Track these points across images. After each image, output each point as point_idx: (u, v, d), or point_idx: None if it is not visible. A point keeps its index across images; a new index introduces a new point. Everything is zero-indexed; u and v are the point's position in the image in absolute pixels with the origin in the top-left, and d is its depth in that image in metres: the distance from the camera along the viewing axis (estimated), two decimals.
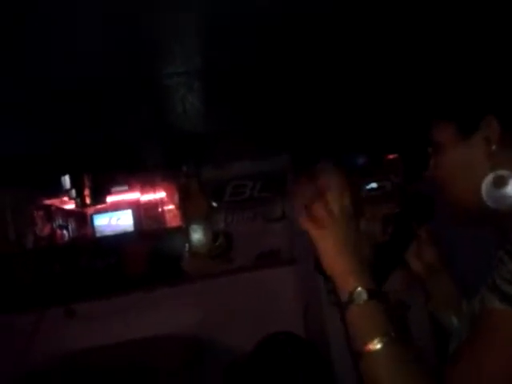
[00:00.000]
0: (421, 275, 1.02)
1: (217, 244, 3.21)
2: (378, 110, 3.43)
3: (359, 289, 0.77)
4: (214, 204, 3.23)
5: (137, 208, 3.64)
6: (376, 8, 1.34)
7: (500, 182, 0.75)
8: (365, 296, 0.76)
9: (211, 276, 3.15)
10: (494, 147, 0.75)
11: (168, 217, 3.54)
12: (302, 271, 3.14)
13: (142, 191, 3.63)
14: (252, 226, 3.22)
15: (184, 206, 3.21)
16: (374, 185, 3.08)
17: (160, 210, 3.61)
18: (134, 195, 3.66)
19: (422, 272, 1.02)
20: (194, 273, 3.11)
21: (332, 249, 0.83)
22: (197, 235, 3.20)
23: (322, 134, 3.40)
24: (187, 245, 3.17)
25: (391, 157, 3.28)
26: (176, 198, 3.27)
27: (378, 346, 0.73)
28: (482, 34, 0.80)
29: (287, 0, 1.26)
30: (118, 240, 3.41)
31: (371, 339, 0.74)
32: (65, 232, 3.59)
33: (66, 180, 2.91)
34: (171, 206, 3.54)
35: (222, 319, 2.95)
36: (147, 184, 3.58)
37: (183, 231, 3.21)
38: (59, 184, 2.91)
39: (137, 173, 3.45)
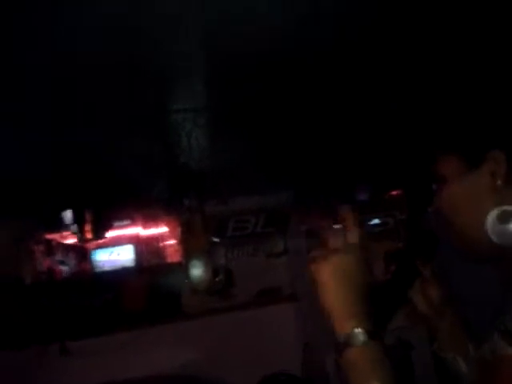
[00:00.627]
0: (426, 315, 1.00)
1: (217, 280, 3.17)
2: (380, 146, 3.46)
3: (357, 330, 0.74)
4: (216, 239, 3.21)
5: (138, 243, 3.61)
6: (378, 42, 1.35)
7: (505, 218, 0.73)
8: (363, 338, 0.74)
9: (211, 313, 3.09)
10: (499, 182, 0.74)
11: (169, 252, 3.51)
12: (303, 309, 3.09)
13: (144, 226, 3.61)
14: (253, 261, 3.19)
15: (185, 241, 3.19)
16: (376, 221, 3.07)
17: (161, 245, 3.59)
18: (135, 230, 3.64)
19: (427, 311, 0.99)
20: (193, 309, 3.06)
21: (331, 287, 0.81)
22: (197, 271, 3.16)
23: (325, 170, 3.41)
24: (187, 281, 3.13)
25: (394, 193, 3.28)
26: (178, 232, 3.25)
27: None
28: (491, 68, 0.80)
29: (289, 39, 1.28)
30: (117, 275, 3.37)
31: None
32: (64, 267, 3.56)
33: (68, 215, 2.90)
34: (172, 241, 3.52)
35: (222, 358, 2.88)
36: (149, 218, 3.57)
37: (183, 267, 3.18)
38: (60, 218, 2.90)
39: (139, 208, 3.45)
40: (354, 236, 0.85)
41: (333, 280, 0.81)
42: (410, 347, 2.63)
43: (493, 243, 0.75)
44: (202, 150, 2.70)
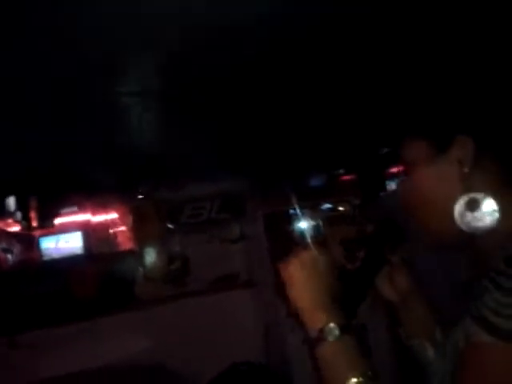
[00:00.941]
0: (392, 302, 0.99)
1: (172, 267, 3.11)
2: (333, 130, 3.47)
3: (331, 325, 0.74)
4: (170, 226, 3.14)
5: (87, 230, 3.47)
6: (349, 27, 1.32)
7: (473, 205, 0.72)
8: (337, 332, 0.73)
9: (166, 301, 3.03)
10: (466, 169, 0.73)
11: (121, 239, 3.40)
12: (261, 294, 3.09)
13: (93, 212, 3.48)
14: (209, 248, 3.14)
15: (138, 228, 3.10)
16: (328, 205, 3.09)
17: (112, 232, 3.47)
18: (84, 216, 3.50)
19: (394, 298, 0.98)
20: (147, 298, 2.99)
21: (302, 282, 0.79)
22: (151, 258, 3.09)
23: (280, 155, 3.39)
24: (141, 269, 3.06)
25: (348, 178, 3.31)
26: (130, 219, 3.15)
27: None
28: (461, 51, 0.78)
29: (241, 21, 1.22)
30: (66, 263, 3.23)
31: (347, 379, 0.70)
32: (9, 255, 3.39)
33: (11, 201, 2.74)
34: (124, 228, 3.41)
35: (178, 347, 2.83)
36: (99, 205, 3.44)
37: (136, 254, 3.10)
38: (3, 206, 2.74)
39: (88, 194, 3.31)
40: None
41: (303, 276, 0.80)
42: (366, 330, 2.68)
43: (460, 230, 0.74)
44: (154, 134, 2.61)
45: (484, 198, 0.72)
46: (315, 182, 3.32)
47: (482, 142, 0.72)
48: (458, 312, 0.85)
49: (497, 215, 0.71)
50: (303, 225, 3.05)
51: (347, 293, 0.90)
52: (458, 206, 0.73)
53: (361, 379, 0.70)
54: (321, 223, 3.07)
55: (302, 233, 3.05)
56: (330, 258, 0.83)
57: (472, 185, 0.73)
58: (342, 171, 3.41)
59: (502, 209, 0.71)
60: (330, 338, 0.73)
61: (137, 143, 2.63)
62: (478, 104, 0.74)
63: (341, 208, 3.01)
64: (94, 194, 3.36)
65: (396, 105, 0.84)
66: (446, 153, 0.75)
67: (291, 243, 3.05)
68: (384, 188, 3.38)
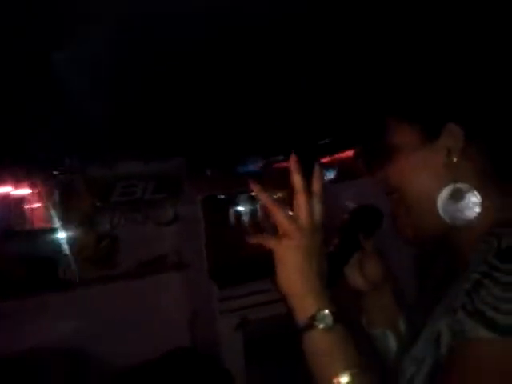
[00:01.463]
0: (360, 290, 0.98)
1: (100, 247, 2.96)
2: (270, 113, 3.47)
3: (325, 312, 0.70)
4: (98, 204, 2.97)
5: (5, 204, 3.21)
6: None
7: (457, 196, 0.72)
8: (330, 320, 0.70)
9: (92, 283, 2.87)
10: (455, 159, 0.72)
11: (44, 216, 3.17)
12: (191, 277, 3.02)
13: (14, 186, 3.21)
14: (141, 229, 3.01)
15: (65, 204, 2.91)
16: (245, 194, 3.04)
17: (34, 207, 3.23)
18: (3, 189, 3.22)
19: (362, 286, 0.97)
20: (72, 279, 2.82)
21: (294, 265, 0.75)
22: (78, 237, 2.92)
23: (216, 137, 3.33)
24: (66, 248, 2.88)
25: (287, 164, 3.29)
26: (56, 195, 2.95)
27: (347, 380, 0.65)
28: (458, 36, 0.77)
29: None
30: None
31: (339, 371, 0.66)
32: None
33: None
34: (48, 204, 3.19)
35: (104, 329, 2.70)
36: (21, 177, 3.18)
37: (62, 232, 2.91)
38: None
39: (8, 166, 3.06)
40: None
41: (297, 258, 0.75)
42: None
43: (441, 221, 0.73)
44: (83, 106, 2.46)
45: (469, 189, 0.71)
46: (254, 167, 3.30)
47: (472, 132, 0.72)
48: (427, 304, 0.85)
49: (478, 208, 0.71)
50: (241, 209, 3.03)
51: None
52: (442, 196, 0.73)
53: (354, 371, 0.66)
54: (258, 208, 3.07)
55: (239, 217, 3.04)
56: (322, 242, 0.79)
57: (457, 175, 0.72)
58: (280, 157, 3.42)
59: (485, 201, 0.70)
60: (322, 326, 0.69)
61: (65, 113, 2.47)
62: (471, 93, 0.73)
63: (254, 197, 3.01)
64: (15, 167, 3.12)
65: (386, 88, 0.81)
66: (435, 140, 0.73)
67: (229, 227, 3.02)
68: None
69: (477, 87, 0.73)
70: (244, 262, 2.80)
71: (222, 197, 2.86)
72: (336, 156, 3.35)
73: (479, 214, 0.71)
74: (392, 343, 0.95)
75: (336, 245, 0.92)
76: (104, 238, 2.92)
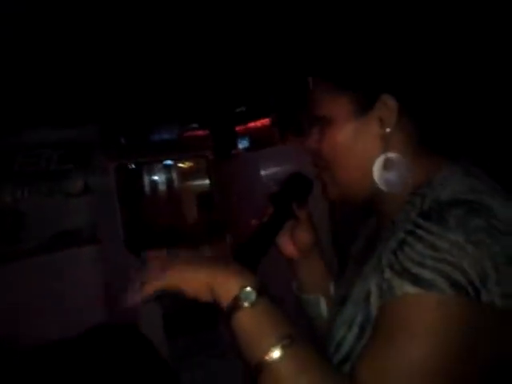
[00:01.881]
0: (291, 258, 0.98)
1: (2, 223, 2.73)
2: (191, 78, 3.37)
3: (247, 289, 0.66)
4: None
5: None
6: None
7: (390, 165, 0.73)
8: (253, 296, 0.65)
9: None
10: (388, 129, 0.72)
11: None
12: (107, 250, 2.89)
13: None
14: (48, 202, 2.81)
15: None
16: (169, 162, 2.99)
17: None
18: None
19: (293, 254, 0.97)
20: None
21: (190, 267, 0.70)
22: None
23: (131, 104, 3.18)
24: None
25: (202, 133, 3.24)
26: None
27: (279, 354, 0.63)
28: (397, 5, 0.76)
29: None
30: None
31: (270, 346, 0.63)
32: None
33: None
34: None
35: (15, 310, 2.52)
36: None
37: None
38: None
39: None
40: None
41: (193, 261, 0.71)
42: None
43: (374, 188, 0.74)
44: None
45: (400, 158, 0.72)
46: (168, 135, 3.19)
47: (405, 103, 0.72)
48: (355, 267, 0.87)
49: (409, 176, 0.72)
50: (156, 178, 2.93)
51: (250, 249, 0.84)
52: (377, 166, 0.73)
53: (285, 344, 0.62)
54: (174, 177, 3.00)
55: (155, 186, 2.94)
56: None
57: (390, 145, 0.73)
58: (195, 126, 3.34)
59: (412, 169, 0.72)
60: (247, 304, 0.65)
61: None
62: (406, 64, 0.73)
63: (181, 165, 2.94)
64: None
65: (320, 56, 0.79)
66: (369, 111, 0.73)
67: (145, 197, 2.92)
68: (235, 145, 3.40)
69: (411, 58, 0.73)
70: (161, 231, 2.74)
71: (136, 166, 2.75)
72: (250, 124, 3.34)
73: (408, 180, 0.73)
74: (323, 308, 0.96)
75: (269, 214, 0.90)
76: (6, 212, 2.69)
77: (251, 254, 0.83)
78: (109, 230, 2.74)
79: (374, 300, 0.66)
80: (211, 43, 3.02)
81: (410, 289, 0.60)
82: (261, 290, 0.66)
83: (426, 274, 0.59)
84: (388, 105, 0.71)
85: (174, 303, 2.65)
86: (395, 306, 0.62)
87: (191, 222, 2.76)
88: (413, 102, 0.73)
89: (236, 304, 0.65)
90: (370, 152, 0.74)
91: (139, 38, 2.73)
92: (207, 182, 2.77)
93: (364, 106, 0.73)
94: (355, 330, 0.70)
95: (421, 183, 0.71)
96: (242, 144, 3.42)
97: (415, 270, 0.60)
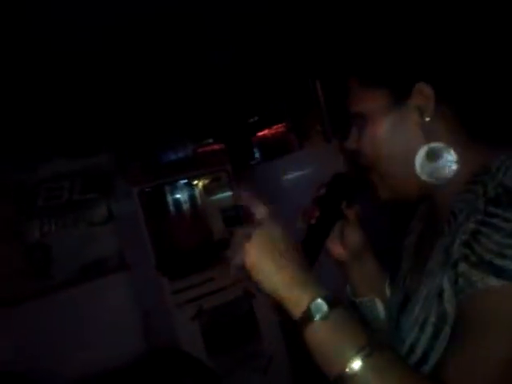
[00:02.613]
0: (342, 260, 0.95)
1: (32, 259, 2.72)
2: (199, 96, 3.37)
3: (317, 300, 0.64)
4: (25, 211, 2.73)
5: None
6: None
7: (433, 155, 0.70)
8: (325, 308, 0.63)
9: (28, 298, 2.64)
10: (427, 118, 0.70)
11: None
12: (136, 277, 2.88)
13: None
14: (74, 233, 2.80)
15: None
16: (190, 179, 2.96)
17: None
18: None
19: (345, 256, 0.94)
20: (6, 295, 2.57)
21: (267, 262, 0.68)
22: (3, 252, 2.66)
23: (144, 125, 3.17)
24: None
25: (217, 147, 3.23)
26: None
27: (360, 364, 0.60)
28: None
29: None
30: None
31: (349, 357, 0.60)
32: None
33: None
34: None
35: (47, 346, 2.50)
36: None
37: None
38: None
39: None
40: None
41: (267, 257, 0.68)
42: (252, 296, 2.69)
43: (422, 182, 0.71)
44: None
45: (444, 147, 0.70)
46: (183, 153, 3.18)
47: (442, 90, 0.70)
48: (411, 264, 0.85)
49: (456, 165, 0.70)
50: (179, 197, 2.92)
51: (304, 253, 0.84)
52: (419, 157, 0.71)
53: (366, 354, 0.60)
54: (197, 194, 2.98)
55: (179, 205, 2.93)
56: (282, 227, 0.72)
57: (431, 134, 0.70)
58: (210, 141, 3.33)
59: (460, 158, 0.70)
60: (319, 317, 0.63)
61: None
62: (440, 51, 0.71)
63: (202, 180, 2.92)
64: None
65: (353, 52, 0.77)
66: (406, 101, 0.71)
67: (170, 217, 2.90)
68: (253, 156, 3.38)
69: (444, 45, 0.70)
70: (190, 250, 2.72)
71: (158, 187, 2.74)
72: (265, 133, 3.32)
73: (456, 171, 0.71)
74: (380, 310, 0.93)
75: (317, 217, 0.87)
76: (35, 248, 2.68)
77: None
78: (138, 255, 2.72)
79: (449, 297, 0.64)
80: (217, 58, 3.03)
81: (493, 281, 0.57)
82: (332, 301, 0.64)
83: (509, 264, 0.56)
84: (424, 93, 0.69)
85: (212, 320, 2.63)
86: (479, 301, 0.59)
87: (219, 237, 2.73)
88: (449, 87, 0.70)
89: (307, 317, 0.64)
90: (412, 143, 0.71)
91: (145, 56, 2.74)
92: (230, 194, 2.75)
93: (400, 97, 0.71)
94: (429, 330, 0.67)
95: (474, 171, 0.68)
96: (260, 153, 3.40)
97: (497, 261, 0.57)
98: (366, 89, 0.74)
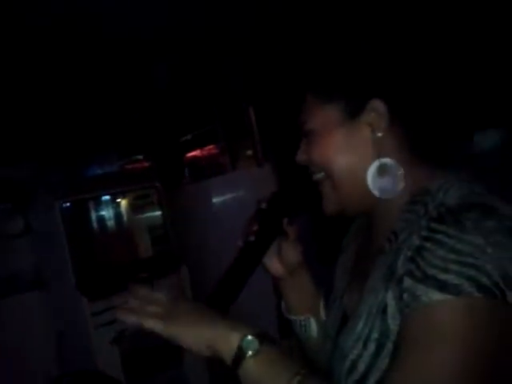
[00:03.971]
0: (279, 277, 0.95)
1: None
2: (131, 110, 3.27)
3: (248, 337, 0.66)
4: None
5: None
6: None
7: (383, 171, 0.72)
8: (256, 343, 0.66)
9: None
10: (379, 134, 0.72)
11: None
12: (53, 296, 2.69)
13: None
14: None
15: None
16: (106, 198, 2.86)
17: None
18: None
19: (281, 273, 0.94)
20: None
21: (184, 319, 0.70)
22: None
23: (71, 137, 3.02)
24: None
25: (147, 164, 3.14)
26: None
27: None
28: (377, 11, 0.77)
29: None
30: None
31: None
32: None
33: None
34: None
35: None
36: None
37: None
38: None
39: None
40: None
41: (182, 315, 0.71)
42: None
43: (368, 196, 0.73)
44: None
45: (393, 164, 0.72)
46: (110, 167, 3.06)
47: (395, 108, 0.72)
48: (347, 281, 0.85)
49: (402, 182, 0.72)
50: (104, 213, 2.78)
51: (237, 269, 0.82)
52: (371, 171, 0.73)
53: (299, 379, 0.63)
54: (124, 211, 2.86)
55: (103, 222, 2.79)
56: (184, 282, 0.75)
57: (381, 150, 0.72)
58: (139, 157, 3.24)
59: (406, 174, 0.72)
60: (251, 353, 0.65)
61: None
62: (393, 69, 0.73)
63: (129, 197, 2.82)
64: None
65: (307, 68, 0.78)
66: (359, 116, 0.73)
67: (93, 234, 2.77)
68: (184, 175, 3.32)
69: (398, 64, 0.74)
70: (114, 269, 2.60)
71: (82, 201, 2.61)
72: (198, 152, 3.28)
73: (402, 186, 0.73)
74: (314, 329, 0.94)
75: (255, 233, 0.85)
76: None
77: (240, 274, 0.81)
78: (56, 272, 2.55)
79: (393, 313, 0.65)
80: (153, 76, 2.97)
81: (437, 295, 0.59)
82: (261, 337, 0.66)
83: (452, 278, 0.58)
84: (377, 109, 0.72)
85: (133, 344, 2.51)
86: (423, 314, 0.61)
87: (145, 256, 2.64)
88: (401, 106, 0.73)
89: (240, 354, 0.65)
90: (363, 158, 0.73)
91: (76, 67, 2.64)
92: (159, 213, 2.67)
93: (353, 112, 0.73)
94: (371, 346, 0.68)
95: (416, 191, 0.71)
96: (191, 173, 3.35)
97: (440, 275, 0.59)
98: (321, 103, 0.75)
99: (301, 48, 0.80)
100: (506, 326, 0.59)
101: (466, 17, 2.05)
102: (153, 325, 0.69)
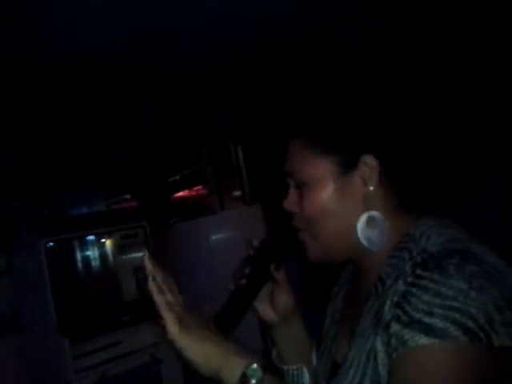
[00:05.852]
0: (270, 323, 0.92)
1: None
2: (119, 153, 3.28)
3: (252, 366, 0.67)
4: None
5: None
6: None
7: (372, 222, 0.74)
8: (260, 372, 0.67)
9: None
10: (371, 188, 0.74)
11: None
12: (30, 340, 2.59)
13: None
14: None
15: None
16: (92, 237, 2.82)
17: None
18: None
19: (273, 319, 0.92)
20: None
21: (193, 351, 0.70)
22: None
23: (57, 176, 3.00)
24: None
25: (134, 204, 3.11)
26: None
27: None
28: (367, 66, 0.80)
29: None
30: None
31: None
32: None
33: None
34: None
35: None
36: None
37: None
38: None
39: None
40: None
41: (195, 342, 0.70)
42: (160, 362, 2.52)
43: (355, 245, 0.75)
44: None
45: (381, 216, 0.75)
46: (97, 207, 3.02)
47: (385, 162, 0.75)
48: (336, 328, 0.84)
49: (388, 233, 0.74)
50: (89, 253, 2.72)
51: (228, 311, 0.82)
52: (361, 223, 0.74)
53: None
54: (109, 251, 2.81)
55: (87, 262, 2.73)
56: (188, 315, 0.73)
57: (370, 201, 0.75)
58: (127, 197, 3.22)
59: (392, 225, 0.75)
60: (254, 381, 0.66)
61: None
62: (385, 124, 0.77)
63: (115, 237, 2.78)
64: None
65: (300, 122, 0.81)
66: (352, 170, 0.75)
67: (77, 274, 2.70)
68: (171, 215, 3.30)
69: (387, 123, 0.77)
70: (98, 310, 2.52)
71: (66, 241, 2.55)
72: (186, 193, 3.28)
73: (387, 238, 0.74)
74: (306, 379, 0.92)
75: (247, 276, 0.86)
76: None
77: (231, 318, 0.82)
78: (37, 313, 2.46)
79: (383, 358, 0.65)
80: (140, 119, 3.00)
81: (423, 339, 0.59)
82: (265, 366, 0.67)
83: (438, 322, 0.59)
84: (369, 164, 0.74)
85: None
86: (410, 358, 0.61)
87: (130, 298, 2.57)
88: (392, 160, 0.76)
89: (244, 382, 0.66)
90: (353, 210, 0.75)
91: (60, 110, 2.65)
92: (144, 254, 2.61)
93: (347, 166, 0.75)
94: None
95: (399, 238, 0.73)
96: (179, 213, 3.32)
97: (426, 319, 0.60)
98: (314, 154, 0.77)
99: (296, 96, 0.83)
100: (493, 368, 0.59)
101: (451, 77, 2.14)
102: (169, 321, 0.70)
